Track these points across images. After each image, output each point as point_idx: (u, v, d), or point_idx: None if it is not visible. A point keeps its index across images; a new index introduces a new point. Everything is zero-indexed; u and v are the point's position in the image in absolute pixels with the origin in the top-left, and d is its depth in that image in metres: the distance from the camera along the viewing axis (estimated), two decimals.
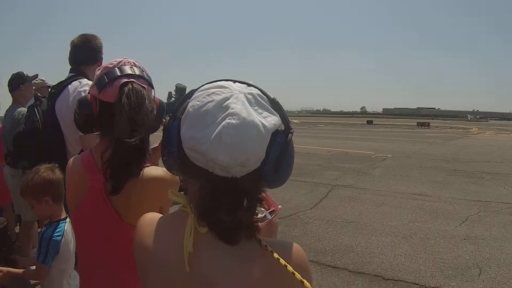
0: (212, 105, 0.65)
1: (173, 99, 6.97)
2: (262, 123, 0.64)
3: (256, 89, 0.70)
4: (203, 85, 0.72)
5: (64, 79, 2.40)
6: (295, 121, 48.56)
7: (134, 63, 1.15)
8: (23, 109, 3.37)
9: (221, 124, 0.62)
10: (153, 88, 1.15)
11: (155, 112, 1.10)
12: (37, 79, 4.04)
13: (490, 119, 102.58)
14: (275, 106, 0.69)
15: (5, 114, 3.73)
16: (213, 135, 0.62)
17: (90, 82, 2.26)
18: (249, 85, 0.71)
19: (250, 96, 0.68)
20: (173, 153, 0.69)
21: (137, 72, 1.12)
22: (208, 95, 0.68)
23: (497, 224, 4.59)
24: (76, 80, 2.32)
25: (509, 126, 47.43)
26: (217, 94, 0.67)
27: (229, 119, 0.63)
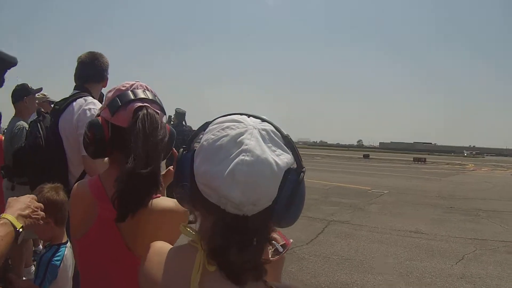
0: (226, 140, 0.65)
1: (172, 123, 6.97)
2: (276, 162, 0.63)
3: (270, 125, 0.69)
4: (217, 118, 0.72)
5: (68, 95, 2.36)
6: None
7: (146, 87, 1.12)
8: (22, 123, 3.39)
9: (235, 161, 0.62)
10: (165, 113, 1.13)
11: (167, 139, 1.05)
12: (39, 93, 3.96)
13: (486, 155, 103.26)
14: (288, 143, 0.68)
15: (8, 126, 3.69)
16: (227, 171, 0.61)
17: (95, 101, 2.27)
18: (263, 120, 0.70)
19: (264, 133, 0.67)
20: (185, 186, 0.68)
21: (150, 96, 1.09)
22: (223, 129, 0.67)
23: (494, 263, 4.58)
24: (81, 97, 2.28)
25: (505, 162, 47.80)
26: (232, 128, 0.67)
27: (243, 155, 0.62)
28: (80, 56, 2.40)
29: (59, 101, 2.37)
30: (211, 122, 0.72)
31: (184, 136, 5.79)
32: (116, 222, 0.97)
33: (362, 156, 44.94)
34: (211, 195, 0.63)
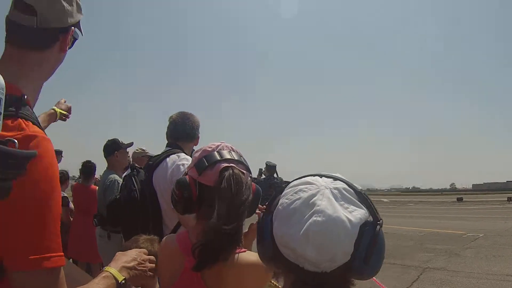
0: (299, 203, 0.69)
1: (263, 176, 7.00)
2: (348, 219, 0.65)
3: (342, 182, 0.72)
4: (292, 181, 0.77)
5: (161, 152, 2.43)
6: (384, 199, 46.69)
7: (231, 148, 1.16)
8: (114, 176, 3.55)
9: (308, 222, 0.65)
10: (250, 173, 1.14)
11: (252, 198, 1.07)
12: (137, 148, 4.06)
13: None
14: (362, 198, 0.70)
15: (101, 178, 3.98)
16: (301, 232, 0.65)
17: (188, 157, 2.31)
18: (335, 179, 0.73)
19: (336, 191, 0.70)
20: (267, 246, 0.73)
21: (235, 157, 1.12)
22: (296, 192, 0.72)
23: None
24: (174, 153, 2.33)
25: None
26: (304, 191, 0.71)
27: (315, 216, 0.65)
28: (172, 116, 2.49)
29: (153, 157, 2.49)
30: (286, 185, 0.77)
31: (276, 188, 5.81)
32: (193, 270, 1.01)
33: (455, 200, 41.59)
34: (290, 255, 0.67)
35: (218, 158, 1.09)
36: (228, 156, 1.10)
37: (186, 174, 1.15)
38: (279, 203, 0.73)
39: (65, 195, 4.74)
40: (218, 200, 1.00)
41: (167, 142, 2.47)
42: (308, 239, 0.64)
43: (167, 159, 2.29)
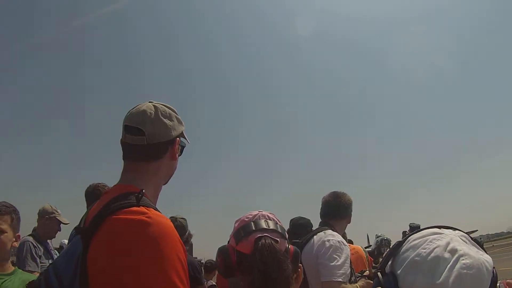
0: (440, 250, 0.71)
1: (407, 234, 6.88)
2: (486, 261, 0.71)
3: (462, 232, 0.77)
4: (411, 236, 0.80)
5: (313, 230, 2.58)
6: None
7: (268, 216, 1.21)
8: None
9: (457, 266, 0.68)
10: (285, 239, 1.18)
11: (289, 262, 1.11)
12: None
13: None
14: (480, 244, 0.75)
15: None
16: (452, 278, 0.67)
17: (334, 233, 2.43)
18: (454, 229, 0.78)
19: (464, 238, 0.74)
20: None
21: (271, 226, 1.17)
22: (430, 241, 0.74)
23: None
24: (321, 231, 2.46)
25: None
26: (438, 239, 0.74)
27: (463, 259, 0.68)
28: (324, 196, 2.69)
29: (303, 236, 2.58)
30: (402, 242, 0.80)
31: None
32: None
33: None
34: None
35: (253, 228, 1.15)
36: (263, 226, 1.16)
37: (228, 242, 1.22)
38: (412, 256, 0.75)
39: (213, 283, 5.09)
40: (253, 269, 1.06)
41: (320, 221, 2.67)
42: (461, 282, 0.67)
43: (315, 236, 2.43)
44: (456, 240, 0.74)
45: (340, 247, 2.25)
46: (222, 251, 1.17)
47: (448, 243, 0.73)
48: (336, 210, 2.61)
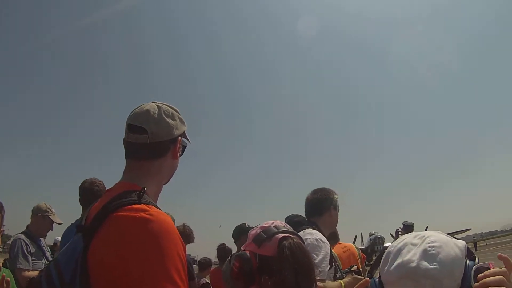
0: (409, 239, 0.80)
1: (400, 234, 6.78)
2: (456, 242, 0.78)
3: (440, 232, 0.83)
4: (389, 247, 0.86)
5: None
6: None
7: (286, 225, 1.24)
8: None
9: (423, 244, 0.75)
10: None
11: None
12: None
13: None
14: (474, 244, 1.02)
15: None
16: (418, 254, 0.74)
17: (313, 231, 2.37)
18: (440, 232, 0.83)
19: (440, 232, 0.81)
20: None
21: (290, 229, 1.20)
22: (402, 240, 0.81)
23: None
24: (301, 230, 2.40)
25: None
26: (407, 237, 0.83)
27: (429, 239, 0.76)
28: (308, 196, 2.64)
29: None
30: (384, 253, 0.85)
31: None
32: None
33: None
34: (407, 283, 0.73)
35: (275, 230, 1.17)
36: (284, 229, 1.19)
37: (244, 250, 1.21)
38: (387, 251, 0.83)
39: (207, 281, 5.01)
40: (283, 269, 1.05)
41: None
42: (426, 255, 0.73)
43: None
44: (430, 233, 0.80)
45: (318, 245, 2.22)
46: (241, 257, 1.14)
47: (418, 234, 0.81)
48: (314, 207, 2.55)
